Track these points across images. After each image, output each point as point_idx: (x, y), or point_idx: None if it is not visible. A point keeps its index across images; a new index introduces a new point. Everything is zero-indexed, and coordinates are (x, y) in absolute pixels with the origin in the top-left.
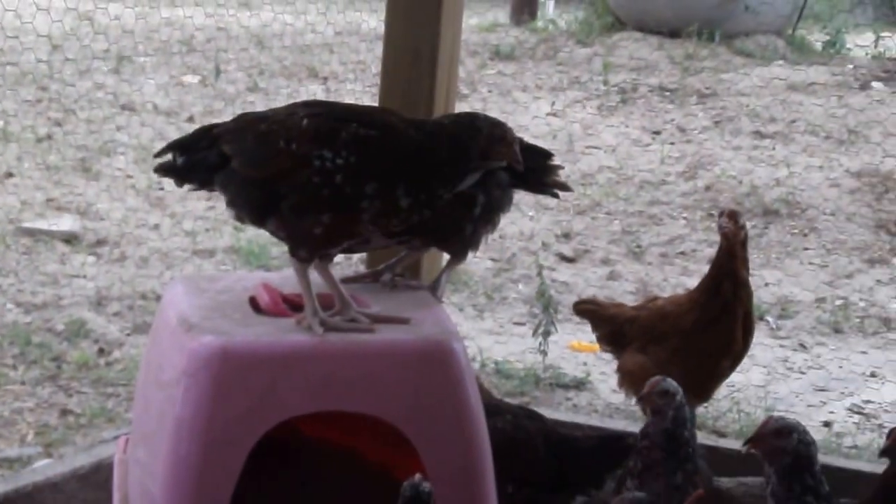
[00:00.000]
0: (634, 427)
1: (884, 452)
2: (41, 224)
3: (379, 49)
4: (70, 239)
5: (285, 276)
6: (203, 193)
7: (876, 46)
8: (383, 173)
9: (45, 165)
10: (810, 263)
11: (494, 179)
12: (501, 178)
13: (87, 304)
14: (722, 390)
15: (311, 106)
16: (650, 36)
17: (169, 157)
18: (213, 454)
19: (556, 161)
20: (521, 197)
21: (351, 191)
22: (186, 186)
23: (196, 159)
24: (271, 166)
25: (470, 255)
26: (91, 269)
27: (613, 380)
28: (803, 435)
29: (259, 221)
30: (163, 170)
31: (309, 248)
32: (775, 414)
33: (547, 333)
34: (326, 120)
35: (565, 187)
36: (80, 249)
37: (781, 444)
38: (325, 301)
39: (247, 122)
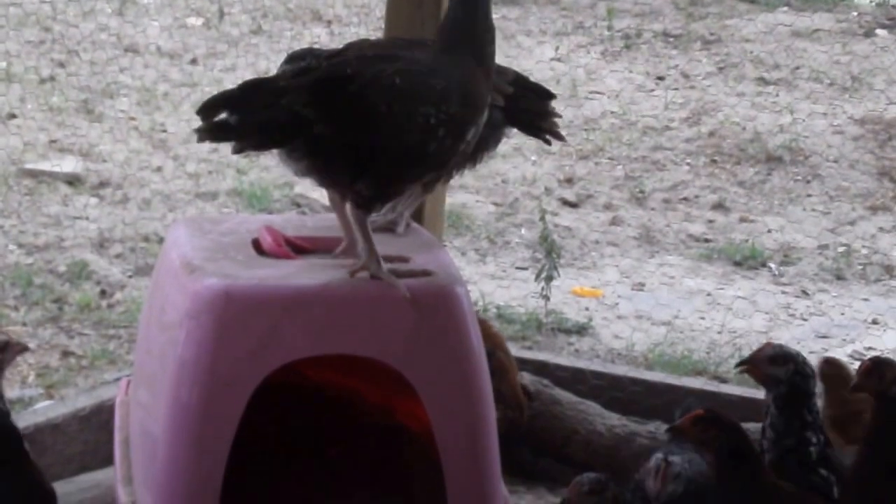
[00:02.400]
0: (636, 373)
1: (854, 388)
2: (44, 165)
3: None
4: (73, 180)
5: (288, 219)
6: None
7: None
8: (473, 118)
9: (47, 107)
10: (813, 210)
11: (487, 118)
12: (494, 117)
13: (90, 245)
14: (724, 336)
15: (385, 59)
16: None
17: (217, 115)
18: (215, 396)
19: (556, 105)
20: (523, 141)
21: (452, 143)
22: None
23: (258, 119)
24: (373, 129)
25: (440, 186)
26: (93, 211)
27: (615, 325)
28: (801, 366)
29: (347, 185)
30: (212, 131)
31: (389, 202)
32: (775, 341)
33: (549, 278)
34: (416, 76)
35: (559, 136)
36: (82, 191)
37: (775, 373)
38: (332, 245)
39: (326, 81)
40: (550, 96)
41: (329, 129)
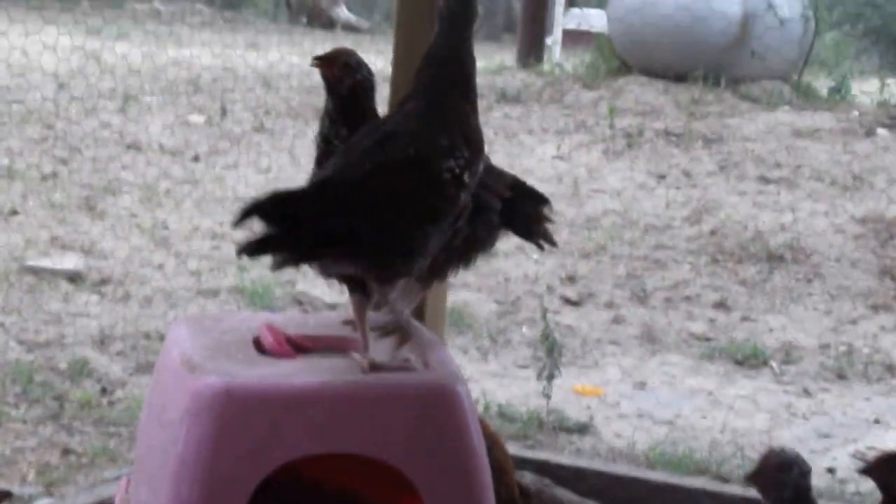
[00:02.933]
0: (637, 472)
1: (863, 471)
2: (45, 262)
3: (385, 90)
4: (74, 277)
5: (289, 317)
6: (208, 232)
7: (881, 93)
8: (478, 159)
9: (49, 204)
10: (814, 309)
11: (483, 217)
12: (491, 219)
13: (91, 342)
14: (726, 435)
15: (390, 137)
16: (656, 80)
17: (250, 225)
18: (215, 495)
19: (558, 203)
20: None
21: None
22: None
23: (299, 233)
24: (411, 204)
25: (434, 283)
26: (94, 308)
27: (617, 424)
28: (802, 465)
29: (388, 270)
30: (253, 247)
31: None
32: (774, 446)
33: (551, 377)
34: (427, 140)
35: (552, 241)
36: (83, 288)
37: (783, 479)
38: (333, 344)
39: (353, 186)
40: (546, 201)
41: (369, 227)
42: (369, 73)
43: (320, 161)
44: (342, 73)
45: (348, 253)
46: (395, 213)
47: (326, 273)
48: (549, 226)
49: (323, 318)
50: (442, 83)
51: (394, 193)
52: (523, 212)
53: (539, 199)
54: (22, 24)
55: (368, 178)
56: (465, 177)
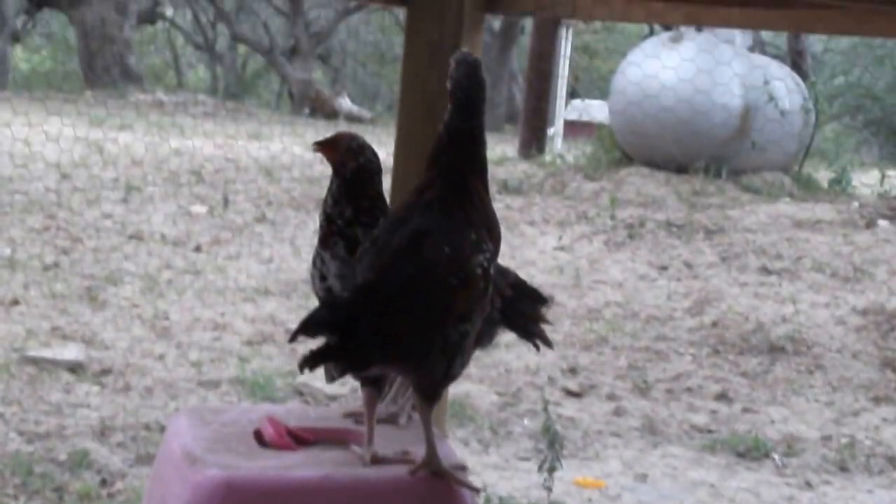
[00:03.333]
0: None
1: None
2: (46, 353)
3: (387, 182)
4: (75, 368)
5: (290, 409)
6: (210, 323)
7: (882, 184)
8: (499, 246)
9: (51, 294)
10: (816, 401)
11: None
12: (492, 315)
13: (91, 434)
14: None
15: (419, 236)
16: (657, 171)
17: (308, 337)
18: None
19: (560, 294)
20: None
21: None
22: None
23: (357, 341)
24: (449, 307)
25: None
26: (95, 399)
27: None
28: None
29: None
30: (317, 360)
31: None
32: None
33: (552, 469)
34: (457, 236)
35: (548, 343)
36: (84, 379)
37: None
38: (335, 436)
39: (410, 286)
40: (545, 302)
41: (415, 331)
42: (373, 154)
43: (324, 241)
44: (345, 158)
45: (398, 357)
46: (437, 315)
47: (366, 375)
48: (545, 326)
49: (324, 410)
50: (460, 167)
51: (435, 295)
52: (522, 311)
53: (538, 300)
54: (25, 116)
55: (411, 283)
56: (490, 269)
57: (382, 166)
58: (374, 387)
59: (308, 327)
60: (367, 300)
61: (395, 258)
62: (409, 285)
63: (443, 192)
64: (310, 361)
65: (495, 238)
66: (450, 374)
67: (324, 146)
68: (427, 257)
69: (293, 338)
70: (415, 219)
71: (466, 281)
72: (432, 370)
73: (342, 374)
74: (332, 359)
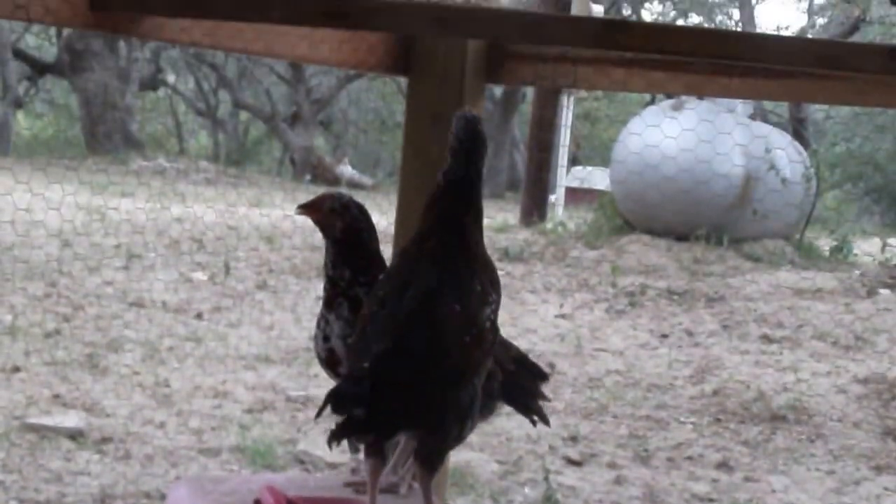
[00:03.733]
0: None
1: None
2: (47, 420)
3: (388, 250)
4: (75, 436)
5: (290, 478)
6: (210, 391)
7: (883, 252)
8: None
9: (52, 361)
10: (817, 470)
11: (485, 385)
12: (493, 387)
13: (91, 502)
14: None
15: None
16: (659, 239)
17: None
18: None
19: (561, 362)
20: None
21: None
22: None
23: (384, 411)
24: (464, 363)
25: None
26: (96, 467)
27: None
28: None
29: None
30: (343, 433)
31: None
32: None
33: None
34: (466, 295)
35: (545, 421)
36: (85, 446)
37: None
38: None
39: (428, 352)
40: (545, 379)
41: (435, 395)
42: (360, 211)
43: (328, 304)
44: (330, 218)
45: (421, 422)
46: (454, 375)
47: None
48: (543, 403)
49: (324, 479)
50: (457, 214)
51: (451, 356)
52: (523, 386)
53: (539, 375)
54: (27, 184)
55: (428, 347)
56: (496, 319)
57: (382, 234)
58: (378, 456)
59: (335, 403)
60: (386, 369)
61: (408, 322)
62: (426, 350)
63: (443, 241)
64: (338, 436)
65: (495, 284)
66: (461, 437)
67: (307, 208)
68: (440, 319)
69: (319, 414)
70: (420, 275)
71: (478, 336)
72: (448, 433)
73: (368, 444)
74: (359, 430)
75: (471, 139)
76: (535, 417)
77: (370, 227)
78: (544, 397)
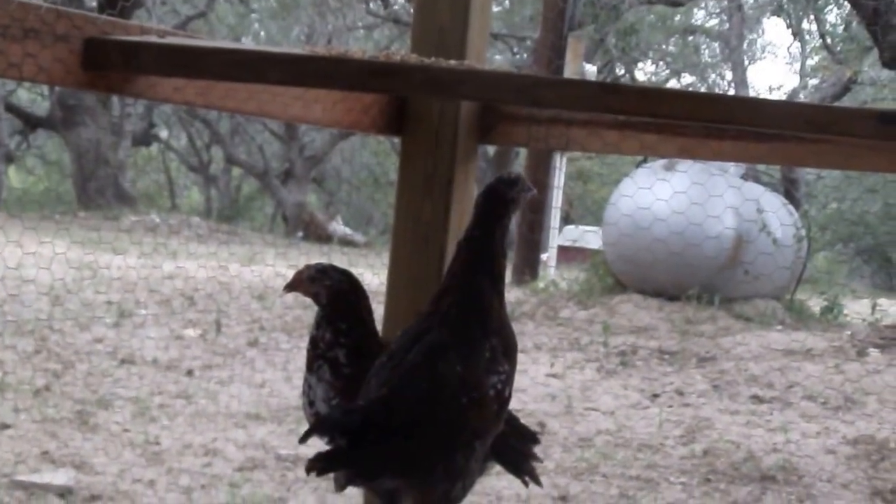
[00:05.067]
0: None
1: None
2: (35, 478)
3: (380, 310)
4: (64, 493)
5: None
6: (201, 449)
7: (873, 313)
8: (515, 364)
9: (41, 418)
10: None
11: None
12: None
13: None
14: None
15: (434, 351)
16: (650, 299)
17: (313, 439)
18: None
19: (553, 422)
20: None
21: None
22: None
23: (373, 448)
24: (462, 424)
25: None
26: None
27: None
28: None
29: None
30: (326, 465)
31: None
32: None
33: None
34: (472, 358)
35: (537, 482)
36: None
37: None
38: None
39: (421, 403)
40: (536, 441)
41: (424, 447)
42: (342, 274)
43: (309, 366)
44: (313, 288)
45: (404, 472)
46: (446, 433)
47: (372, 488)
48: (536, 464)
49: None
50: (473, 275)
51: (445, 413)
52: (514, 447)
53: (530, 438)
54: (17, 243)
55: (423, 398)
56: (506, 391)
57: (374, 293)
58: None
59: (322, 427)
60: (378, 411)
61: (409, 374)
62: (420, 401)
63: (460, 301)
64: (318, 463)
65: (510, 355)
66: (451, 497)
67: (292, 288)
68: (440, 373)
69: (305, 438)
70: (432, 331)
71: (479, 401)
72: (434, 489)
73: (350, 482)
74: (341, 465)
75: (489, 200)
76: (527, 478)
77: (356, 290)
78: (536, 458)
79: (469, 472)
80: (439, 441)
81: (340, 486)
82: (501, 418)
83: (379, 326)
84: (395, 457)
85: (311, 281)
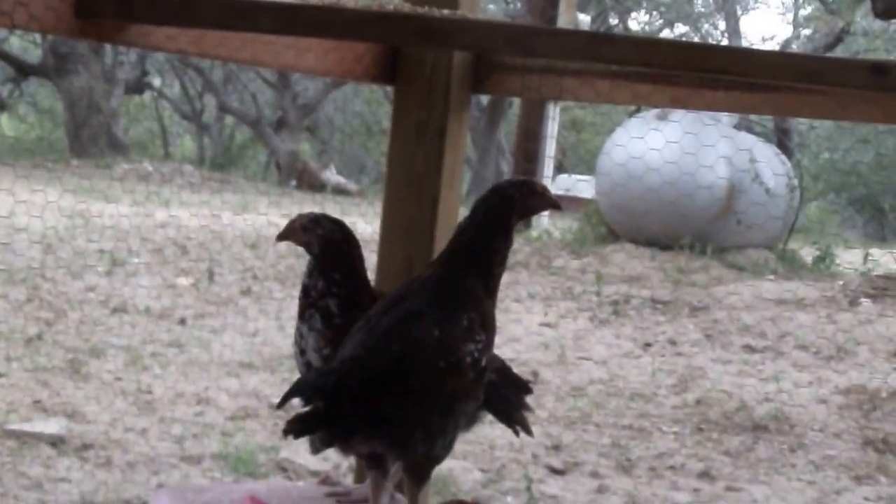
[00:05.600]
0: None
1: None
2: (27, 427)
3: (373, 258)
4: (56, 442)
5: (272, 488)
6: (193, 398)
7: (865, 263)
8: (492, 342)
9: (33, 367)
10: (798, 479)
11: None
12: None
13: None
14: None
15: (411, 316)
16: (643, 248)
17: (297, 403)
18: None
19: (545, 371)
20: None
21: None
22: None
23: (348, 409)
24: (439, 391)
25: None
26: (76, 474)
27: None
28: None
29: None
30: (302, 426)
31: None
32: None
33: None
34: (451, 323)
35: (529, 431)
36: (66, 453)
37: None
38: None
39: (395, 365)
40: (529, 391)
41: (397, 409)
42: (334, 223)
43: (301, 315)
44: (305, 237)
45: (377, 434)
46: (421, 396)
47: (350, 452)
48: (527, 414)
49: (306, 488)
50: (460, 260)
51: (420, 376)
52: (506, 397)
53: (522, 388)
54: (9, 190)
55: (397, 361)
56: (483, 360)
57: (367, 241)
58: (379, 469)
59: (298, 390)
60: (352, 372)
61: (384, 336)
62: (395, 363)
63: (440, 275)
64: (295, 426)
65: (488, 330)
66: (432, 456)
67: (284, 237)
68: (415, 337)
69: (282, 403)
70: (409, 299)
71: (455, 366)
72: (414, 450)
73: (326, 444)
74: (316, 426)
75: (490, 197)
76: (519, 428)
77: (348, 239)
78: (528, 408)
79: (449, 430)
80: (416, 403)
81: (316, 449)
82: (481, 387)
83: (371, 275)
84: (372, 419)
85: (304, 230)
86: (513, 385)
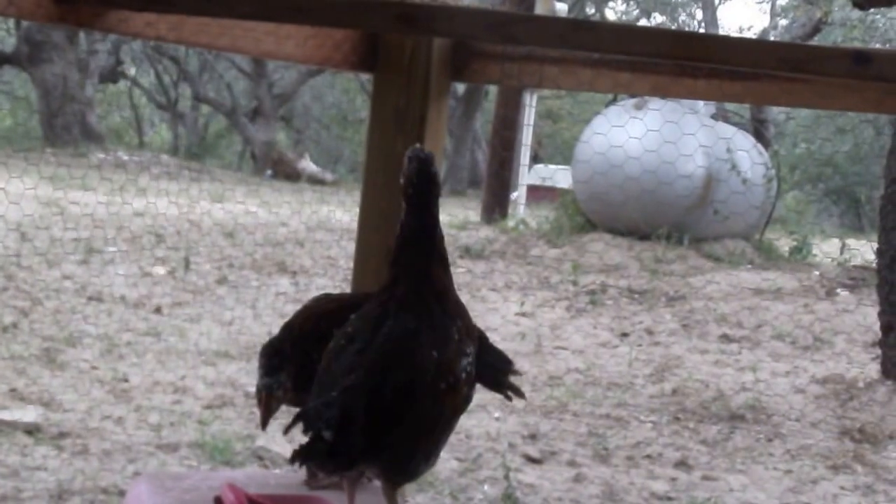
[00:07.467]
0: None
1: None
2: (3, 415)
3: (351, 247)
4: (32, 430)
5: (251, 475)
6: (169, 386)
7: (841, 253)
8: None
9: (9, 355)
10: (775, 469)
11: None
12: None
13: (48, 497)
14: None
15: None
16: (620, 237)
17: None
18: None
19: (521, 361)
20: (487, 398)
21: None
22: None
23: (353, 439)
24: (439, 410)
25: None
26: (53, 462)
27: None
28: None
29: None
30: (308, 455)
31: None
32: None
33: None
34: (445, 342)
35: (520, 393)
36: (42, 441)
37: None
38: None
39: (401, 392)
40: (511, 366)
41: (403, 436)
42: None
43: None
44: None
45: (379, 459)
46: (423, 422)
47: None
48: (515, 378)
49: (283, 476)
50: (421, 264)
51: (426, 402)
52: (491, 363)
53: (505, 362)
54: None
55: (404, 390)
56: (473, 371)
57: (345, 230)
58: (354, 471)
59: (306, 421)
60: (356, 402)
61: (384, 362)
62: (402, 390)
63: (415, 290)
64: (302, 456)
65: (472, 336)
66: (419, 471)
67: None
68: (418, 363)
69: (287, 430)
70: (394, 317)
71: (453, 386)
72: (414, 472)
73: (329, 473)
74: (322, 455)
75: (423, 182)
76: (510, 392)
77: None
78: (515, 372)
79: (442, 444)
80: (421, 428)
81: (313, 475)
82: (470, 397)
83: (350, 263)
84: (378, 447)
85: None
86: (494, 352)
